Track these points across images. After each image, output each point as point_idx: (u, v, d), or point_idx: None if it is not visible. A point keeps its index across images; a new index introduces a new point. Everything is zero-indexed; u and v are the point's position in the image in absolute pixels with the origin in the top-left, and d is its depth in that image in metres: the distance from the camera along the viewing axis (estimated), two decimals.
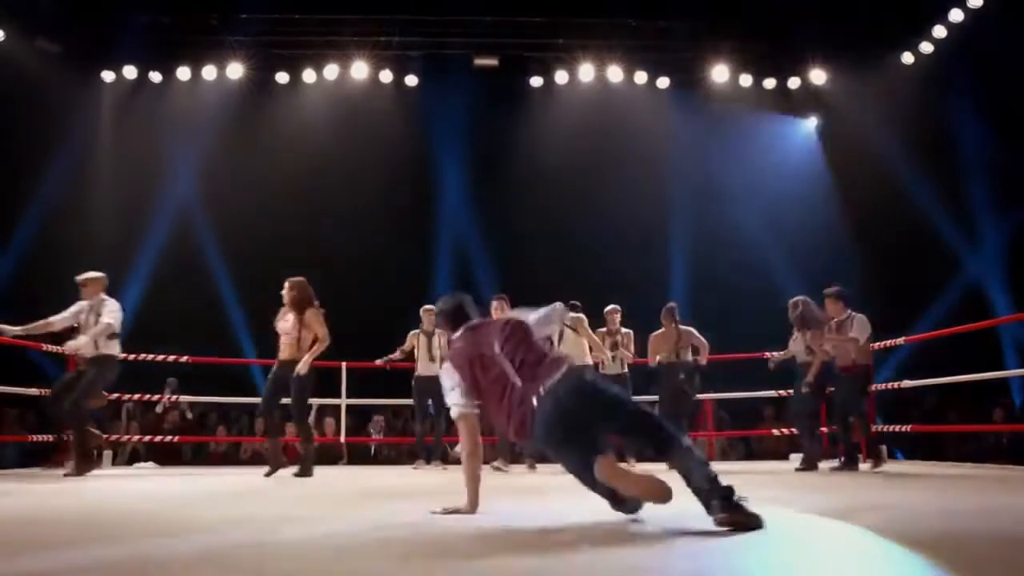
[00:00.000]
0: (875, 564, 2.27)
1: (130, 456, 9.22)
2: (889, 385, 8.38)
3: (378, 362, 8.33)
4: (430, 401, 8.08)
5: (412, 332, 8.14)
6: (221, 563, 2.24)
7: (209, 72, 12.03)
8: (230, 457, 9.66)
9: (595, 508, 3.02)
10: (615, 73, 12.24)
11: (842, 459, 6.67)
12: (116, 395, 8.28)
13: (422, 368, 7.96)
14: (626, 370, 7.84)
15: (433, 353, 7.94)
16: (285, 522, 3.24)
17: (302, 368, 6.17)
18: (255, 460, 9.22)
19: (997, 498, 4.24)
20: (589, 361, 7.17)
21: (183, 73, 12.10)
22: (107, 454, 8.42)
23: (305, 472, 6.16)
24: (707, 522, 2.62)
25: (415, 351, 8.05)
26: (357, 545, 2.56)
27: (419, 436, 8.16)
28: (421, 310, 8.16)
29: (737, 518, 2.58)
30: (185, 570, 2.14)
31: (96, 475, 6.36)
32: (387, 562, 2.24)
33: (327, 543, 2.60)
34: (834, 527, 2.96)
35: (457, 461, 7.74)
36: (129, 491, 5.14)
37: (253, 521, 3.32)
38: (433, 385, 7.95)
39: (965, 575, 2.00)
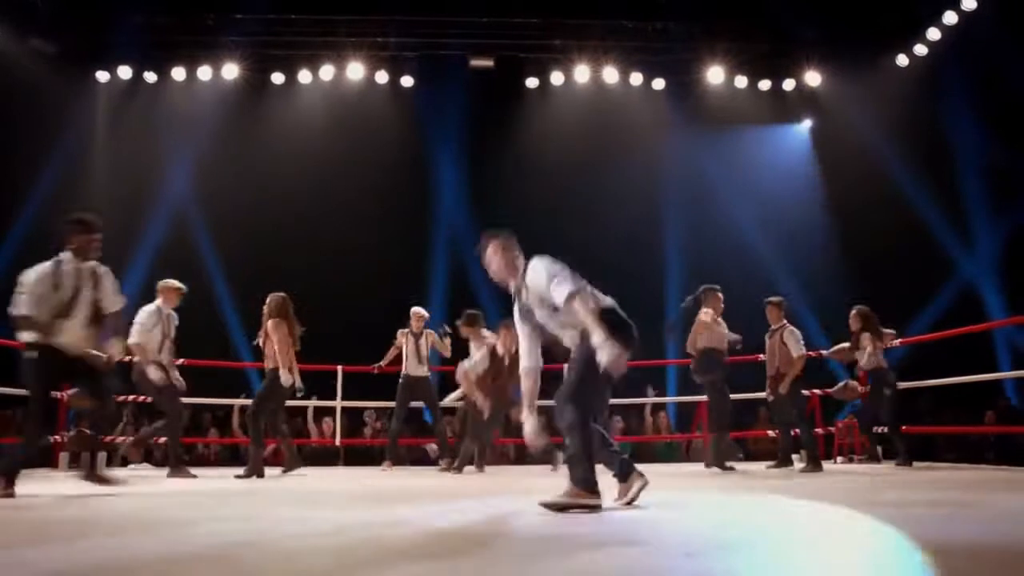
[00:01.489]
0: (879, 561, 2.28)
1: (123, 458, 9.18)
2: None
3: (375, 368, 8.37)
4: (420, 403, 8.13)
5: (401, 331, 8.15)
6: (219, 562, 2.23)
7: (205, 72, 12.02)
8: (225, 458, 9.63)
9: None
10: (611, 74, 12.27)
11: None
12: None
13: (411, 368, 7.96)
14: None
15: (421, 354, 7.98)
16: (281, 522, 3.24)
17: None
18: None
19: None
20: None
21: (178, 73, 12.09)
22: (102, 456, 8.39)
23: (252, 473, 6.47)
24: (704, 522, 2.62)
25: (403, 351, 8.04)
26: (356, 546, 2.56)
27: (393, 435, 8.06)
28: (410, 311, 8.20)
29: None
30: (182, 569, 2.14)
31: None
32: (386, 563, 2.24)
33: (322, 543, 2.60)
34: (834, 521, 2.97)
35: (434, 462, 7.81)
36: (126, 491, 5.12)
37: (251, 521, 3.31)
38: (422, 386, 8.01)
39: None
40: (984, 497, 4.08)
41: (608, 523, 3.08)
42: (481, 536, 2.77)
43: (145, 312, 6.72)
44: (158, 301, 6.83)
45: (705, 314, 7.13)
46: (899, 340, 8.13)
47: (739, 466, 7.46)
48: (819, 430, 8.61)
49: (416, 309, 8.24)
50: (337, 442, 9.02)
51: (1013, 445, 9.10)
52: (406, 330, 8.11)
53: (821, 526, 3.07)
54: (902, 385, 8.10)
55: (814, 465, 6.75)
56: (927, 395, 9.70)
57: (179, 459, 6.71)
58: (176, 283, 6.94)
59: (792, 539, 2.73)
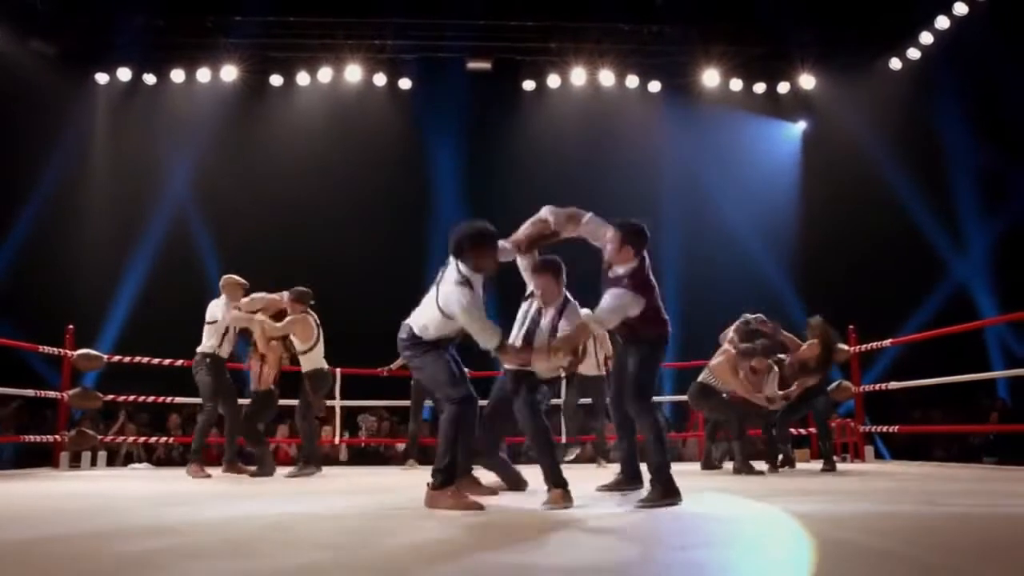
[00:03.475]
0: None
1: (125, 457, 9.25)
2: (876, 387, 8.51)
3: (383, 372, 8.32)
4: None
5: None
6: (213, 559, 2.30)
7: (204, 74, 12.06)
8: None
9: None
10: (607, 77, 12.35)
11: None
12: (111, 396, 8.29)
13: None
14: (602, 372, 7.33)
15: None
16: (278, 519, 3.32)
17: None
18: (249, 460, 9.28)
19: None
20: None
21: (177, 75, 12.13)
22: (102, 454, 8.47)
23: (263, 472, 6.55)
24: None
25: None
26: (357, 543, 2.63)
27: (412, 436, 8.16)
28: None
29: None
30: (180, 568, 2.21)
31: (90, 475, 6.40)
32: (384, 558, 2.32)
33: (316, 541, 2.67)
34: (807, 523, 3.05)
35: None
36: (124, 490, 5.19)
37: (247, 519, 3.39)
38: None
39: None
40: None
41: (607, 518, 3.17)
42: (483, 523, 2.85)
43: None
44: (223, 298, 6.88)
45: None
46: (890, 340, 8.23)
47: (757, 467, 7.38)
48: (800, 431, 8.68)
49: None
50: (337, 440, 9.13)
51: (1007, 445, 9.19)
52: None
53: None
54: (895, 385, 8.20)
55: (790, 463, 6.91)
56: (918, 395, 9.81)
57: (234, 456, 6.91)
58: (237, 278, 7.04)
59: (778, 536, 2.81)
